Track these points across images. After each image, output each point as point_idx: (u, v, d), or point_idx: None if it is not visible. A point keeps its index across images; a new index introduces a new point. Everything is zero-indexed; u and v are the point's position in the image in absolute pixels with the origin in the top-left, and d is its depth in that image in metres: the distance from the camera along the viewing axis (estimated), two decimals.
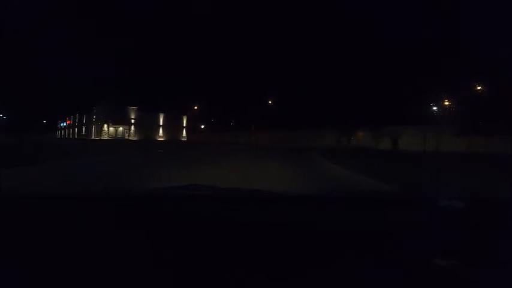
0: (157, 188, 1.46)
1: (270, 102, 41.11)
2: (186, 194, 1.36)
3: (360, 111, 30.22)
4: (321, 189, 4.88)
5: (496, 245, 0.80)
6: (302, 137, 34.89)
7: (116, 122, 49.41)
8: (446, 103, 27.87)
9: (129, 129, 51.53)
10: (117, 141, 34.97)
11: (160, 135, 55.94)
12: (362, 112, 29.96)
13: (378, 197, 1.53)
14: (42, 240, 0.82)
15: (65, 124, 66.83)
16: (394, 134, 29.26)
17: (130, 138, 49.49)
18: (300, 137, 34.90)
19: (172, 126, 57.55)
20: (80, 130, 57.40)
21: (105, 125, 48.39)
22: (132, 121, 51.93)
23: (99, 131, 48.53)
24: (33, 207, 1.09)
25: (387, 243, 0.81)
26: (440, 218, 1.01)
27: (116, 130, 50.33)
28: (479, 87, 23.05)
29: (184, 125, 62.33)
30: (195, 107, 53.18)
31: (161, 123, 56.70)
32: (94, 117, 50.50)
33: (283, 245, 0.81)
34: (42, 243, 0.80)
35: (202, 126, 57.06)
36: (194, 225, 0.92)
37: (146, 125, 52.47)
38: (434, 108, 29.32)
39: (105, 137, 47.13)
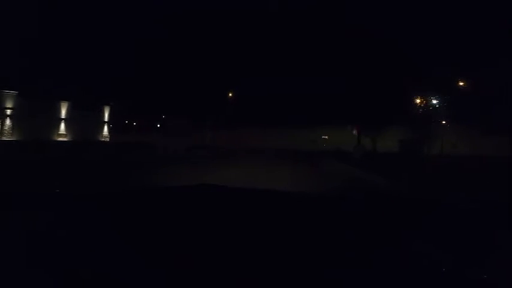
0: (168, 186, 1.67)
1: (230, 94, 28.60)
2: (197, 192, 1.50)
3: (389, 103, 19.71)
4: None
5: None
6: (291, 136, 26.52)
7: None
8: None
9: (2, 124, 33.66)
10: None
11: (61, 133, 38.60)
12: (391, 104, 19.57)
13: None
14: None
15: None
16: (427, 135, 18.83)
17: (3, 138, 31.97)
18: (286, 136, 26.69)
19: (85, 121, 40.53)
20: None
21: None
22: (8, 112, 34.07)
23: None
24: None
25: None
26: None
27: None
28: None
29: (106, 119, 45.45)
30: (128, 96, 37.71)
31: (63, 115, 39.25)
32: None
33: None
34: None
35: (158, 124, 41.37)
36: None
37: (35, 118, 34.95)
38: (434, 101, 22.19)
39: None
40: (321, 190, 5.14)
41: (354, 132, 24.79)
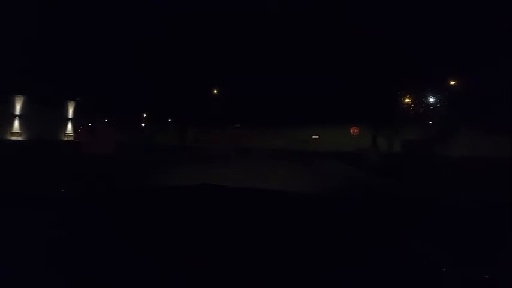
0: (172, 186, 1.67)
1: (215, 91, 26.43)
2: (198, 191, 1.49)
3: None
4: None
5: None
6: (282, 135, 24.91)
7: None
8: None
9: None
10: None
11: (15, 131, 33.27)
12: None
13: None
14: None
15: None
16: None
17: None
18: (275, 136, 25.06)
19: (45, 118, 35.34)
20: None
21: None
22: None
23: None
24: None
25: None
26: None
27: None
28: None
29: (71, 116, 40.37)
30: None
31: (18, 111, 33.88)
32: None
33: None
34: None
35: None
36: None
37: None
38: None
39: None
40: (320, 191, 5.19)
41: (352, 132, 23.67)
